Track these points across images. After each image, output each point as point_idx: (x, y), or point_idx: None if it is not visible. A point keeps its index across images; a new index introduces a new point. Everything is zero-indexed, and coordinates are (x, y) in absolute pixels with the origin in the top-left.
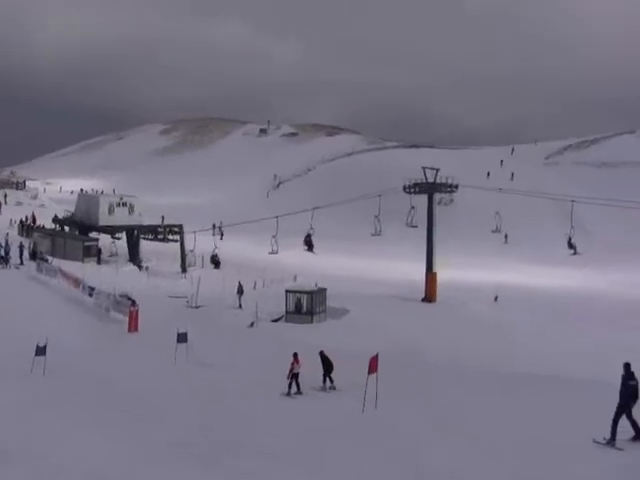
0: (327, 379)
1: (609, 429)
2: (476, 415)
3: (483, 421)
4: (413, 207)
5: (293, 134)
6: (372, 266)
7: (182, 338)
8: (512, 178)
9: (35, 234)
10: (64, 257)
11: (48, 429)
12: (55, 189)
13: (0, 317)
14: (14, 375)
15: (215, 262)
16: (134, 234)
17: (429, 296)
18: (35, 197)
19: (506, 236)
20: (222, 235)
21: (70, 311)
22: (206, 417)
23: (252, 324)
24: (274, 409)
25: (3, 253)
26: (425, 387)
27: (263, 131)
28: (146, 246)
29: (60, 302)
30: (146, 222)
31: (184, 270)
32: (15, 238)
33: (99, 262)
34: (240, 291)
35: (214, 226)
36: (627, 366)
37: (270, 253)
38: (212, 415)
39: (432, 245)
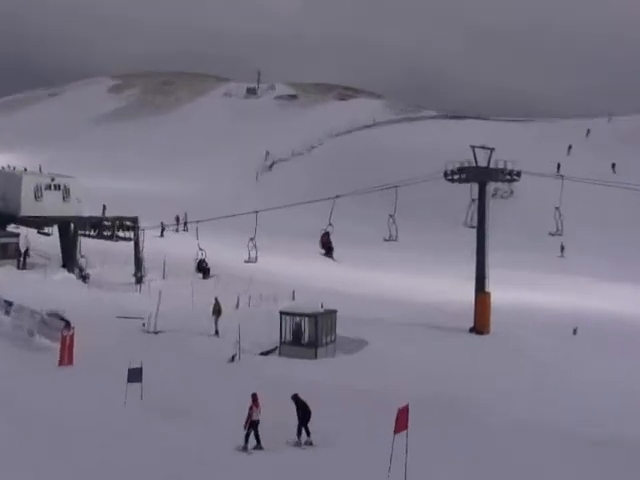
0: (302, 431)
1: None
2: None
3: None
4: (474, 200)
5: (292, 97)
6: (399, 281)
7: (135, 376)
8: (614, 169)
9: None
10: None
11: None
12: None
13: None
14: None
15: (202, 270)
16: (70, 229)
17: (480, 326)
18: None
19: (562, 248)
20: (187, 230)
21: None
22: None
23: (233, 358)
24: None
25: None
26: (479, 456)
27: (251, 91)
28: (87, 246)
29: None
30: (87, 213)
31: (139, 281)
32: None
33: (22, 266)
34: (217, 311)
35: (178, 220)
36: None
37: (246, 262)
38: None
39: (484, 254)
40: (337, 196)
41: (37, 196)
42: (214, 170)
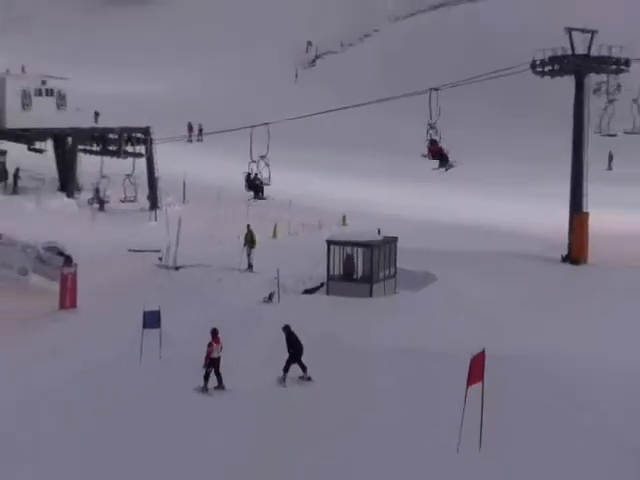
0: (290, 367)
1: None
2: None
3: None
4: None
5: None
6: (471, 202)
7: (151, 321)
8: None
9: None
10: None
11: None
12: None
13: None
14: None
15: (255, 187)
16: (67, 143)
17: (575, 253)
18: None
19: (610, 158)
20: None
21: None
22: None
23: (270, 297)
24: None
25: None
26: (565, 418)
27: None
28: (89, 164)
29: None
30: (87, 123)
31: (154, 206)
32: None
33: (13, 190)
34: (250, 241)
35: (191, 129)
36: None
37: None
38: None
39: (582, 166)
40: (434, 89)
41: (25, 104)
42: (238, 67)
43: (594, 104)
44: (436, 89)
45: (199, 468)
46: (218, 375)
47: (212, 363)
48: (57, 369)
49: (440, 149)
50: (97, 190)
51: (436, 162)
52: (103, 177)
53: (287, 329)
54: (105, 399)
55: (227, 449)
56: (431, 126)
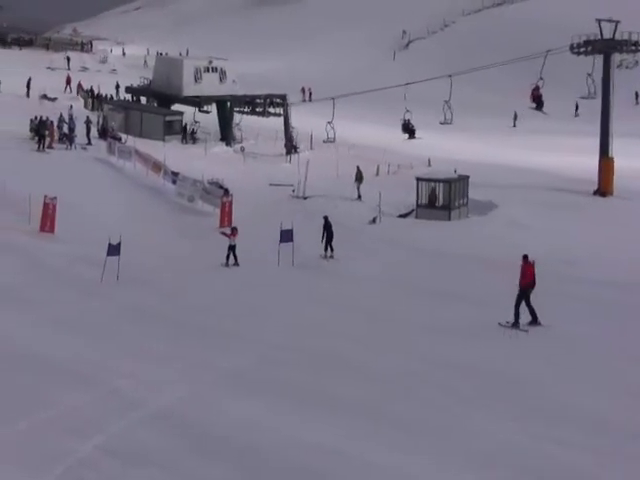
0: (329, 247)
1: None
2: None
3: None
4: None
5: None
6: (527, 152)
7: (286, 236)
8: None
9: (105, 107)
10: (140, 135)
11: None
12: (129, 52)
13: (64, 209)
14: (84, 282)
15: (409, 130)
16: (227, 107)
17: (603, 187)
18: (104, 61)
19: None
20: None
21: (147, 202)
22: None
23: (374, 220)
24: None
25: (67, 130)
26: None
27: None
28: (242, 122)
29: (135, 190)
30: (240, 92)
31: (289, 152)
32: (81, 112)
33: (185, 141)
34: (359, 178)
35: (303, 92)
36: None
37: (442, 123)
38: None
39: (608, 121)
40: (548, 51)
41: (197, 78)
42: (350, 50)
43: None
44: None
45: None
46: (235, 256)
47: (230, 248)
48: (221, 258)
49: (540, 95)
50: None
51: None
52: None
53: (326, 219)
54: (253, 282)
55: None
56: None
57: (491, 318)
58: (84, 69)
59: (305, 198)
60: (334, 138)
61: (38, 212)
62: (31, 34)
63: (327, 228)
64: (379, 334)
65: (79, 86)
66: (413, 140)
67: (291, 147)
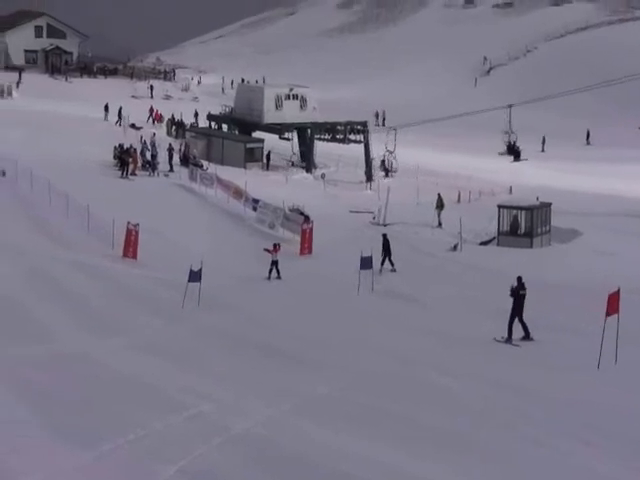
0: (385, 261)
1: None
2: None
3: None
4: None
5: (507, 4)
6: (612, 180)
7: (366, 263)
8: None
9: (187, 134)
10: (222, 162)
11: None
12: (209, 80)
13: (147, 235)
14: (167, 307)
15: (515, 153)
16: (307, 133)
17: None
18: (186, 89)
19: None
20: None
21: (228, 228)
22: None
23: (455, 247)
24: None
25: (149, 157)
26: None
27: (470, 1)
28: (322, 149)
29: (217, 217)
30: (321, 119)
31: (369, 179)
32: (163, 139)
33: (266, 168)
34: (440, 205)
35: (377, 116)
36: (519, 279)
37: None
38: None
39: None
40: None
41: (277, 105)
42: (432, 77)
43: None
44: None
45: None
46: (277, 271)
47: (273, 263)
48: (302, 284)
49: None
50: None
51: None
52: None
53: (385, 236)
54: (334, 308)
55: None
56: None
57: (578, 346)
58: (167, 97)
59: (385, 225)
60: (396, 169)
61: (121, 237)
62: (116, 63)
63: (385, 245)
64: (460, 360)
65: (156, 115)
66: (516, 163)
67: (371, 174)
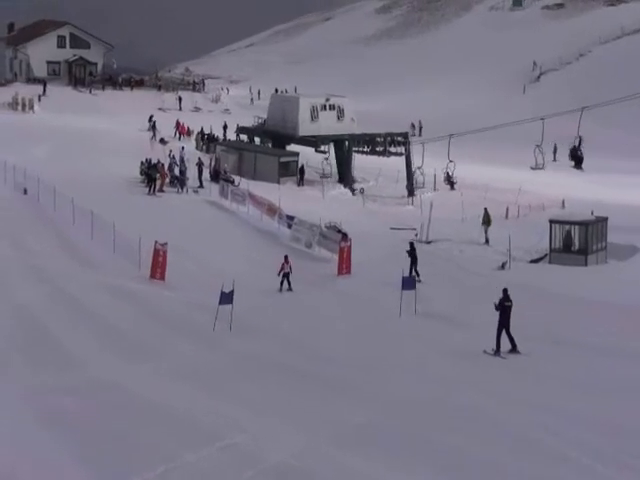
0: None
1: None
2: None
3: None
4: None
5: (558, 5)
6: None
7: (409, 283)
8: None
9: (218, 148)
10: (254, 177)
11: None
12: (238, 91)
13: (175, 255)
14: (198, 331)
15: (576, 158)
16: (345, 146)
17: None
18: (216, 101)
19: None
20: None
21: (262, 247)
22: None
23: (503, 265)
24: None
25: (178, 173)
26: None
27: (517, 3)
28: (360, 162)
29: (249, 235)
30: (359, 130)
31: (411, 193)
32: (192, 153)
33: (300, 183)
34: (487, 221)
35: (413, 127)
36: (504, 291)
37: (533, 168)
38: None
39: None
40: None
41: (313, 117)
42: (477, 84)
43: None
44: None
45: None
46: (289, 282)
47: (284, 275)
48: (341, 306)
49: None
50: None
51: None
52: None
53: (412, 244)
54: (374, 331)
55: None
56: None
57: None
58: (196, 109)
59: (428, 242)
60: (543, 164)
61: (148, 257)
62: (142, 74)
63: (412, 254)
64: (510, 386)
65: (182, 128)
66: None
67: (413, 188)
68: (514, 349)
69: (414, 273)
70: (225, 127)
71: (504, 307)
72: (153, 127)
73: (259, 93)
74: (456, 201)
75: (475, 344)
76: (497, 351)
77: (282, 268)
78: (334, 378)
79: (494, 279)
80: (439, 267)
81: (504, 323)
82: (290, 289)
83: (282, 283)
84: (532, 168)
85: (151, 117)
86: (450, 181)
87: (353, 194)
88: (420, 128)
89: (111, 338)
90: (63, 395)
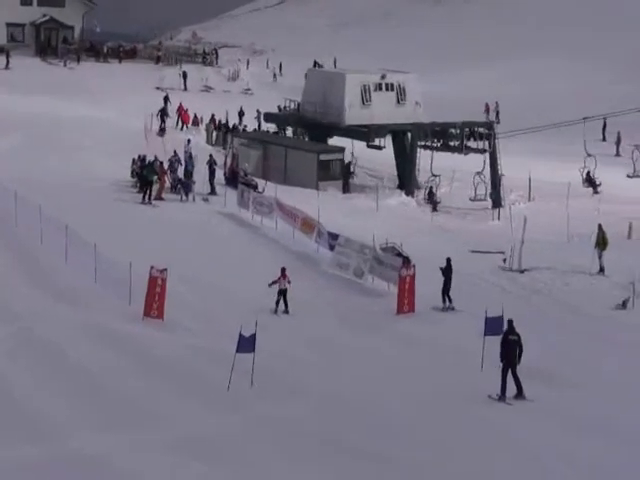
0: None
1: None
2: None
3: None
4: None
5: None
6: None
7: (494, 326)
8: None
9: (236, 142)
10: (284, 181)
11: None
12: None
13: (177, 284)
14: (208, 388)
15: (591, 182)
16: (407, 139)
17: None
18: (234, 78)
19: None
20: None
21: (294, 275)
22: None
23: (624, 304)
24: None
25: (182, 175)
26: None
27: None
28: (428, 161)
29: (277, 258)
30: (427, 119)
31: (498, 204)
32: (201, 149)
33: (346, 189)
34: (601, 242)
35: (487, 110)
36: (510, 322)
37: (630, 176)
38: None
39: None
40: None
41: (365, 100)
42: (565, 65)
43: None
44: None
45: None
46: (285, 302)
47: (280, 292)
48: (401, 356)
49: None
50: (430, 190)
51: None
52: (434, 176)
53: (448, 261)
54: (447, 389)
55: None
56: None
57: None
58: (207, 89)
59: (522, 272)
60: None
61: (142, 288)
62: (134, 42)
63: (447, 272)
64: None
65: (184, 116)
66: None
67: (500, 197)
68: (520, 393)
69: (446, 299)
70: (241, 114)
71: (508, 342)
72: (162, 114)
73: (280, 67)
74: (558, 214)
75: (591, 412)
76: (502, 396)
77: (277, 282)
78: (399, 459)
79: (612, 322)
80: (536, 305)
81: (509, 361)
82: (287, 311)
83: (278, 303)
84: (629, 176)
85: (166, 98)
86: (592, 183)
87: (434, 209)
88: (497, 113)
89: (93, 398)
90: (30, 476)
